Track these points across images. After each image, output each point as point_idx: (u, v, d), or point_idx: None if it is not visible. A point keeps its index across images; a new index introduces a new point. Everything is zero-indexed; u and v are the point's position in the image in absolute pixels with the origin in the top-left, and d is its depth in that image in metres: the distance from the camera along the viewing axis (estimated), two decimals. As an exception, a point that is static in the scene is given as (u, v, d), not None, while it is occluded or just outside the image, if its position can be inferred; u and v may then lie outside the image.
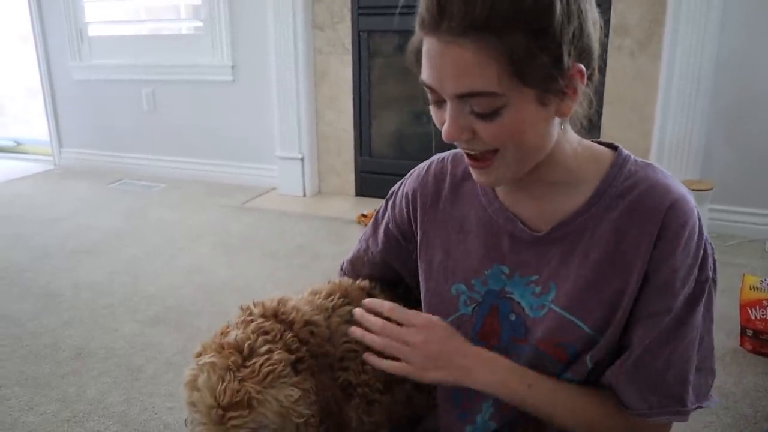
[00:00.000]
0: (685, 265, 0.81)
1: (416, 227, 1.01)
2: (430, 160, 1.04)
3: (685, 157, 2.83)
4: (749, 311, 1.92)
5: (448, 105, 0.76)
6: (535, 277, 0.88)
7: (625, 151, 0.87)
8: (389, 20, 3.20)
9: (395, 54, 3.41)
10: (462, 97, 0.74)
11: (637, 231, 0.81)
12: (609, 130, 2.91)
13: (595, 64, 0.79)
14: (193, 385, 0.85)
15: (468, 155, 0.82)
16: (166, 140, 4.12)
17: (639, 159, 0.87)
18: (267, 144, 3.73)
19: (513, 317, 0.90)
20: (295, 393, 0.86)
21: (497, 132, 0.76)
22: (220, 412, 0.82)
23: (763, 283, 1.91)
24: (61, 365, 1.90)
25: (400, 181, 1.08)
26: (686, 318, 0.83)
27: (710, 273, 0.84)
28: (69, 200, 3.68)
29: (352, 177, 3.58)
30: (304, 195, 3.64)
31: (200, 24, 3.81)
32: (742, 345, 1.95)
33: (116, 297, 2.36)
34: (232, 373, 0.83)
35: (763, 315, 1.90)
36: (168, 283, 2.48)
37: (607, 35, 2.80)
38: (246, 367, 0.84)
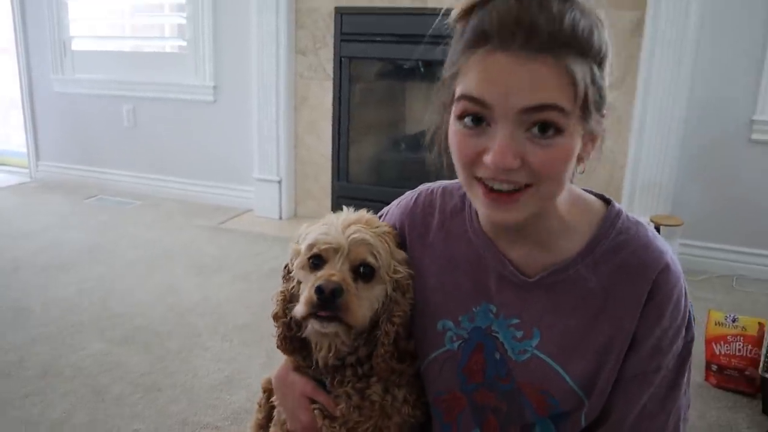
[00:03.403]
0: (674, 326, 0.84)
1: None
2: (417, 190, 1.02)
3: (656, 193, 2.89)
4: (714, 346, 1.96)
5: (501, 127, 0.73)
6: (516, 321, 0.89)
7: (618, 205, 0.89)
8: (371, 47, 3.25)
9: (376, 81, 3.46)
10: (528, 112, 0.71)
11: (628, 289, 0.83)
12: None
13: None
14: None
15: (492, 191, 0.77)
16: (144, 157, 4.11)
17: (630, 215, 0.88)
18: (245, 165, 3.73)
19: (497, 356, 0.90)
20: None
21: (549, 157, 0.74)
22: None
23: (728, 319, 1.95)
24: (25, 384, 1.87)
25: (386, 209, 1.06)
26: (678, 379, 0.86)
27: (693, 332, 0.88)
28: (43, 214, 3.63)
29: (328, 202, 3.59)
30: (280, 218, 3.64)
31: (184, 43, 3.82)
32: (707, 380, 1.99)
33: (86, 315, 2.33)
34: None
35: (727, 350, 1.94)
36: (139, 302, 2.46)
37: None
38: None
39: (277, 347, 1.01)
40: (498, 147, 0.73)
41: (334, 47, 3.37)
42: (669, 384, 0.86)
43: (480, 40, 0.73)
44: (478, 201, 0.80)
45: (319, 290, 0.84)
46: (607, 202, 0.91)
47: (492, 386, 0.91)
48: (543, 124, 0.72)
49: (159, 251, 3.06)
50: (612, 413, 0.87)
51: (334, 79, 3.42)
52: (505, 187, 0.76)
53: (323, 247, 0.89)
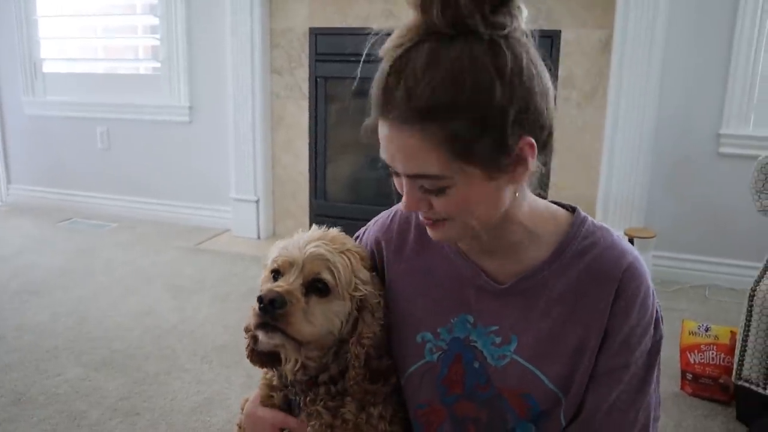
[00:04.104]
0: (642, 324, 0.87)
1: (383, 277, 1.01)
2: (394, 209, 1.04)
3: (629, 206, 2.95)
4: (689, 355, 1.99)
5: (404, 181, 0.81)
6: (495, 328, 0.91)
7: (583, 213, 0.93)
8: (346, 67, 3.27)
9: (351, 99, 3.48)
10: (411, 177, 0.79)
11: (596, 289, 0.86)
12: (557, 179, 3.01)
13: (548, 131, 0.81)
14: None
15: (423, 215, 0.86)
16: (120, 179, 4.07)
17: (595, 221, 0.92)
18: (222, 185, 3.72)
19: (476, 365, 0.92)
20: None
21: (447, 205, 0.80)
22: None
23: (701, 328, 1.99)
24: (-2, 411, 1.83)
25: (364, 228, 1.08)
26: (648, 376, 0.89)
27: (662, 331, 0.90)
28: (14, 238, 3.58)
29: (306, 220, 3.59)
30: (259, 237, 3.63)
31: (158, 65, 3.82)
32: (682, 388, 2.02)
33: (61, 339, 2.29)
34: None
35: (701, 359, 1.97)
36: (116, 325, 2.43)
37: (555, 88, 2.93)
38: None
39: (248, 358, 1.01)
40: (405, 197, 0.82)
41: (310, 67, 3.40)
42: (639, 381, 0.89)
43: (373, 106, 0.79)
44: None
45: (259, 299, 0.86)
46: (572, 210, 0.94)
47: (472, 396, 0.93)
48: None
49: (136, 273, 3.02)
50: (583, 409, 0.89)
51: (309, 99, 3.44)
52: (424, 219, 0.86)
53: (280, 261, 0.91)
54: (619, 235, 0.91)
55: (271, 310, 0.85)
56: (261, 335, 0.89)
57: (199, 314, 2.55)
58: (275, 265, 0.91)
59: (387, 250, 1.00)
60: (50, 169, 4.25)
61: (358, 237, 1.08)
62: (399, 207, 1.04)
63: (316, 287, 0.89)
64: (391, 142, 0.78)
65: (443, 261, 0.96)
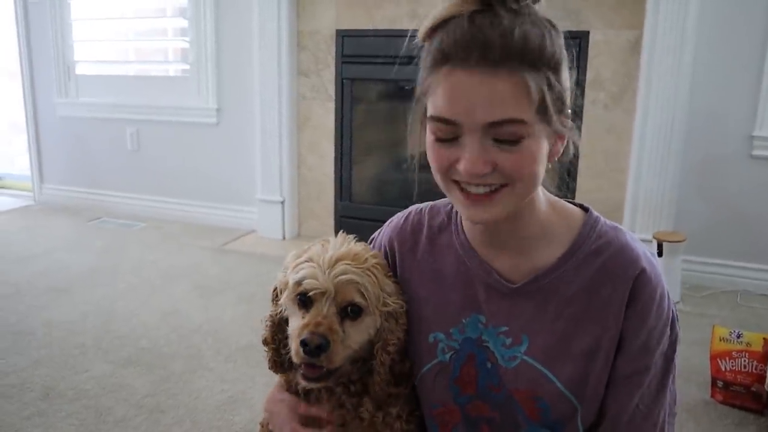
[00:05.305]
0: (660, 326, 0.86)
1: (396, 276, 1.02)
2: (408, 210, 1.05)
3: (658, 209, 2.90)
4: (719, 362, 1.95)
5: (469, 139, 0.77)
6: (505, 328, 0.91)
7: (596, 213, 0.92)
8: (373, 69, 3.28)
9: (377, 101, 3.48)
10: (492, 126, 0.76)
11: (609, 291, 0.86)
12: (584, 182, 2.98)
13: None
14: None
15: (468, 194, 0.82)
16: (148, 179, 4.13)
17: (608, 221, 0.91)
18: (248, 186, 3.75)
19: (489, 365, 0.92)
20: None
21: (519, 161, 0.78)
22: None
23: (732, 335, 1.95)
24: (27, 406, 1.86)
25: (379, 230, 1.09)
26: (666, 378, 0.89)
27: (678, 330, 0.90)
28: (46, 237, 3.65)
29: (331, 221, 3.60)
30: (284, 238, 3.64)
31: (187, 67, 3.86)
32: (712, 396, 1.97)
33: (89, 336, 2.33)
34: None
35: (732, 366, 1.93)
36: (142, 323, 2.46)
37: (582, 90, 2.90)
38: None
39: (270, 369, 1.03)
40: (469, 157, 0.78)
41: (336, 69, 3.41)
42: (658, 383, 0.89)
43: (441, 59, 0.77)
44: (458, 203, 0.85)
45: (304, 343, 0.86)
46: (585, 210, 0.93)
47: (485, 397, 0.93)
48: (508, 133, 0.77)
49: (162, 273, 3.06)
50: (606, 415, 0.89)
51: (336, 100, 3.45)
52: (481, 190, 0.80)
53: (311, 291, 0.89)
54: (633, 235, 0.91)
55: (317, 353, 0.86)
56: (301, 380, 0.91)
57: (225, 314, 2.57)
58: (302, 289, 0.90)
59: (400, 250, 1.01)
60: (81, 169, 4.33)
61: (372, 239, 1.09)
62: (412, 208, 1.06)
63: (348, 311, 0.89)
64: (473, 88, 0.75)
65: (454, 260, 0.96)
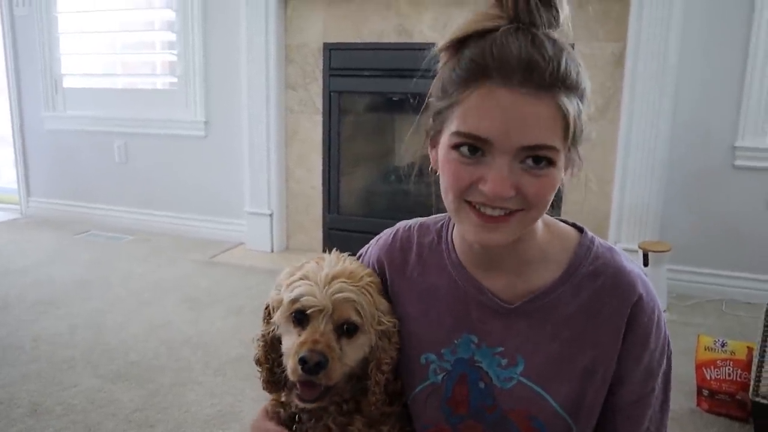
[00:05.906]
0: (659, 347, 0.88)
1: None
2: (395, 227, 1.04)
3: (643, 219, 2.93)
4: (704, 371, 1.97)
5: (500, 160, 0.75)
6: (500, 349, 0.90)
7: (590, 233, 0.92)
8: (360, 82, 3.31)
9: (365, 114, 3.51)
10: (524, 149, 0.74)
11: (607, 313, 0.86)
12: (570, 193, 3.00)
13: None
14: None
15: (482, 215, 0.80)
16: (136, 192, 4.12)
17: (603, 241, 0.92)
18: (236, 199, 3.75)
19: (482, 385, 0.91)
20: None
21: (542, 188, 0.77)
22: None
23: (717, 344, 1.97)
24: (14, 422, 1.85)
25: (366, 246, 1.07)
26: (667, 395, 0.91)
27: (671, 348, 0.92)
28: (33, 250, 3.63)
29: (320, 234, 3.61)
30: (272, 251, 3.64)
31: (175, 80, 3.87)
32: (698, 405, 1.99)
33: (77, 350, 2.32)
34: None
35: (717, 375, 1.95)
36: (131, 337, 2.45)
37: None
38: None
39: (264, 389, 1.03)
40: (497, 178, 0.75)
41: (323, 82, 3.43)
42: (661, 402, 0.91)
43: (479, 73, 0.74)
44: (468, 222, 0.81)
45: (303, 361, 0.86)
46: (579, 229, 0.93)
47: (478, 417, 0.92)
48: (537, 157, 0.76)
49: (151, 286, 3.05)
50: None
51: (323, 113, 3.47)
52: (497, 212, 0.79)
53: (308, 309, 0.89)
54: (627, 255, 0.91)
55: (316, 371, 0.86)
56: (297, 401, 0.91)
57: (214, 327, 2.57)
58: (299, 306, 0.89)
59: (389, 269, 0.99)
60: (69, 183, 4.31)
61: (360, 255, 1.06)
62: (400, 225, 1.04)
63: (345, 329, 0.90)
64: (511, 109, 0.73)
65: (446, 280, 0.94)
